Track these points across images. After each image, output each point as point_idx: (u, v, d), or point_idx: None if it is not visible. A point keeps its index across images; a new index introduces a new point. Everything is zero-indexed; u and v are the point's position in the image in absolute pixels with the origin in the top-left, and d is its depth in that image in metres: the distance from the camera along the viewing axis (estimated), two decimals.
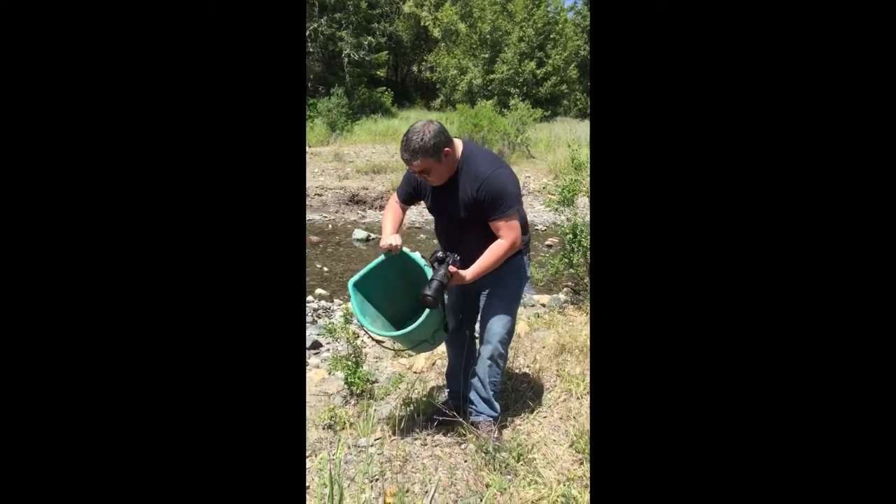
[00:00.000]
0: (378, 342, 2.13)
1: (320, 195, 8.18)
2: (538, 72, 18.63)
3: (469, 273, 1.83)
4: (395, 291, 2.02)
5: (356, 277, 1.91)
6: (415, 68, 23.82)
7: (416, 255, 1.94)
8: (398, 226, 1.98)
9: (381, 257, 1.93)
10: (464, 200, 1.80)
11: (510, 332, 1.98)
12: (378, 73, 19.94)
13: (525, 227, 1.99)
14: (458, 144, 1.82)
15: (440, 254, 1.88)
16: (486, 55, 19.11)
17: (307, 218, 7.37)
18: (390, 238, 1.89)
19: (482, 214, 1.80)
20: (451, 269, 1.82)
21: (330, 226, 7.15)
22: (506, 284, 1.95)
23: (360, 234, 6.57)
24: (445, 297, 1.89)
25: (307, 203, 7.91)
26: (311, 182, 8.52)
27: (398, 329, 1.92)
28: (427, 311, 1.81)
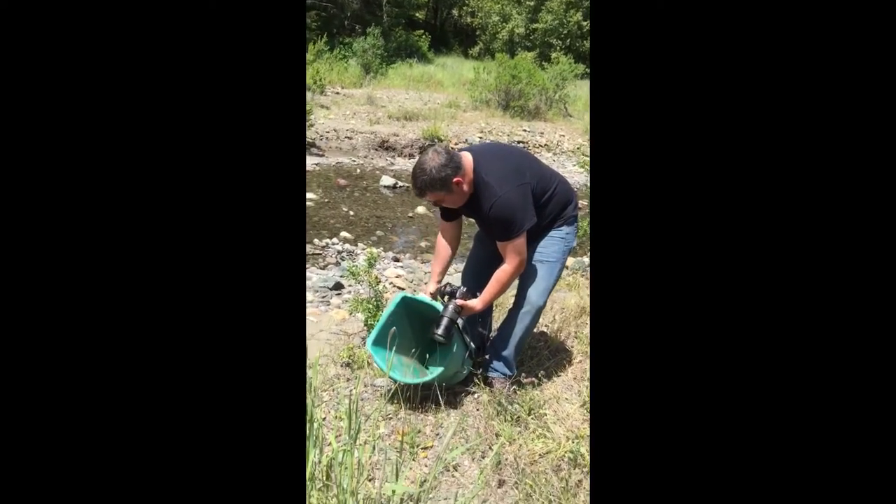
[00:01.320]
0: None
1: (350, 138, 8.11)
2: (584, 24, 17.71)
3: (479, 303, 1.89)
4: (415, 334, 2.04)
5: (372, 336, 1.91)
6: (455, 12, 22.85)
7: (423, 297, 1.95)
8: (446, 266, 2.03)
9: (389, 308, 1.95)
10: (484, 216, 1.83)
11: (546, 301, 2.00)
12: (417, 14, 19.23)
13: (569, 198, 1.99)
14: (468, 163, 1.79)
15: (448, 287, 1.92)
16: (532, 2, 18.20)
17: (336, 160, 7.35)
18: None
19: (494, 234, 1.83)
20: (460, 301, 1.86)
21: (358, 170, 7.13)
22: (548, 252, 1.95)
23: (387, 180, 6.54)
24: (462, 324, 1.91)
25: (337, 146, 7.87)
26: (342, 125, 8.43)
27: (428, 368, 1.97)
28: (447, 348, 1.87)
